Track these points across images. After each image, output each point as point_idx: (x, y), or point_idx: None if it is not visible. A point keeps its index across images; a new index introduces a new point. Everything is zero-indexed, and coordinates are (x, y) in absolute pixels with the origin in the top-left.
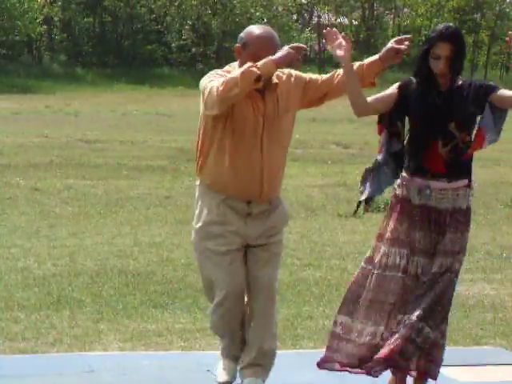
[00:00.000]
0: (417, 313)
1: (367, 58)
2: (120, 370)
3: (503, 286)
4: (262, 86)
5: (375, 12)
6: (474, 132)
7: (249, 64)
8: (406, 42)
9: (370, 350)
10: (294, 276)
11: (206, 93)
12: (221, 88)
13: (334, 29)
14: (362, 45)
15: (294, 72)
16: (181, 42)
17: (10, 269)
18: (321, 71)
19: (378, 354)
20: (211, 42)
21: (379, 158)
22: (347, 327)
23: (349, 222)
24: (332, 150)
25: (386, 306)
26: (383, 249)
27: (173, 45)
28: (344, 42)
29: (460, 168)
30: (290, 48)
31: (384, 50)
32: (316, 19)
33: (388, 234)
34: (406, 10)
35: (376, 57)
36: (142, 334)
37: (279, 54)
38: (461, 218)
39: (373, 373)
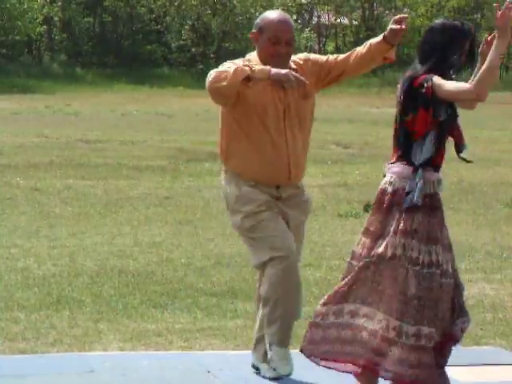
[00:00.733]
0: None
1: None
2: (120, 370)
3: (503, 286)
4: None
5: (375, 12)
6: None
7: (247, 64)
8: (404, 22)
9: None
10: None
11: (208, 90)
12: (211, 78)
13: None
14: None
15: (310, 55)
16: (181, 42)
17: (9, 269)
18: None
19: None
20: (211, 42)
21: None
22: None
23: (349, 222)
24: (332, 150)
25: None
26: None
27: (173, 45)
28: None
29: None
30: (295, 77)
31: (387, 31)
32: (316, 19)
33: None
34: (405, 9)
35: (381, 37)
36: (141, 334)
37: (281, 71)
38: None
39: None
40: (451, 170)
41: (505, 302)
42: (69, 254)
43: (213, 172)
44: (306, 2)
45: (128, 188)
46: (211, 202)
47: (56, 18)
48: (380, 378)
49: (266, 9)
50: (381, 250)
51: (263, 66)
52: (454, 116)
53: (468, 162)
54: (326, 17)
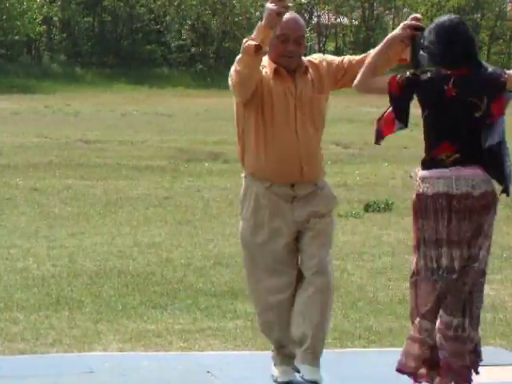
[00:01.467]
0: None
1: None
2: (119, 370)
3: (503, 286)
4: (292, 65)
5: (375, 12)
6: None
7: (245, 40)
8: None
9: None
10: None
11: (230, 83)
12: (234, 73)
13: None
14: (362, 45)
15: (326, 56)
16: (180, 42)
17: (9, 269)
18: None
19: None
20: (211, 42)
21: None
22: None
23: (349, 222)
24: (332, 150)
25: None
26: None
27: (172, 45)
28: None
29: None
30: (269, 3)
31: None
32: (316, 19)
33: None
34: (405, 9)
35: None
36: (141, 335)
37: (267, 14)
38: None
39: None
40: None
41: (505, 303)
42: (68, 254)
43: (213, 172)
44: (305, 2)
45: (127, 188)
46: (211, 202)
47: (55, 18)
48: None
49: None
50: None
51: (255, 28)
52: None
53: None
54: (326, 17)
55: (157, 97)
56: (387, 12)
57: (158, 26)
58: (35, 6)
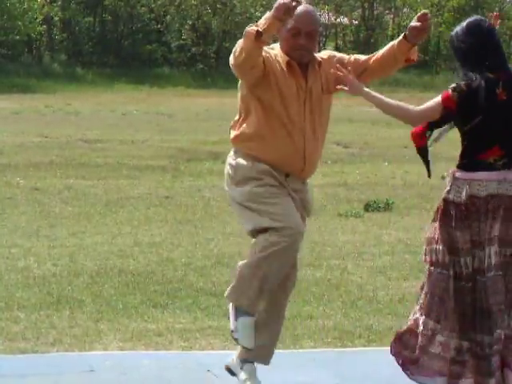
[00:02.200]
0: None
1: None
2: (120, 369)
3: None
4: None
5: (375, 12)
6: None
7: (249, 25)
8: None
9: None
10: None
11: (230, 62)
12: (232, 54)
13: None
14: (362, 45)
15: (336, 53)
16: (181, 42)
17: (10, 269)
18: None
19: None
20: (211, 41)
21: None
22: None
23: (349, 222)
24: (332, 150)
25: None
26: None
27: (173, 44)
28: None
29: None
30: None
31: (408, 29)
32: None
33: None
34: (405, 9)
35: (401, 37)
36: (142, 334)
37: (276, 6)
38: None
39: None
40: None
41: None
42: (69, 253)
43: (213, 171)
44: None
45: (128, 188)
46: (211, 201)
47: (56, 18)
48: None
49: (266, 8)
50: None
51: (264, 16)
52: None
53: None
54: (326, 16)
55: (157, 96)
56: (387, 12)
57: (159, 26)
58: (36, 6)
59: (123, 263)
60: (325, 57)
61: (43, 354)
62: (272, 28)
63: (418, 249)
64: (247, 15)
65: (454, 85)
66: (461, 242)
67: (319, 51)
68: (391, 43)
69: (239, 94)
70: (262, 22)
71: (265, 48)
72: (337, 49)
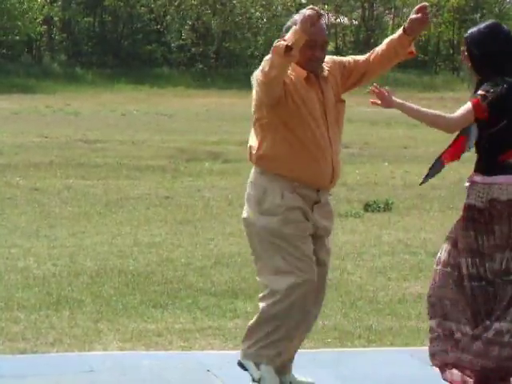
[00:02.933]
0: None
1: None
2: (120, 369)
3: None
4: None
5: (375, 12)
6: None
7: (276, 41)
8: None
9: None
10: None
11: (254, 83)
12: (261, 73)
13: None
14: (362, 45)
15: (334, 58)
16: (180, 42)
17: (9, 269)
18: None
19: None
20: (211, 41)
21: None
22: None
23: (348, 222)
24: None
25: None
26: None
27: (172, 45)
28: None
29: None
30: (307, 9)
31: (407, 22)
32: None
33: None
34: (405, 9)
35: (400, 30)
36: (141, 334)
37: (299, 23)
38: None
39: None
40: (451, 169)
41: None
42: (69, 253)
43: (213, 172)
44: (305, 2)
45: (128, 188)
46: (211, 201)
47: (56, 18)
48: None
49: (266, 8)
50: None
51: (290, 31)
52: None
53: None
54: (326, 16)
55: (157, 97)
56: (387, 12)
57: (159, 26)
58: (36, 6)
59: (123, 263)
60: (328, 64)
61: (43, 354)
62: (300, 41)
63: (417, 249)
64: (247, 15)
65: (481, 92)
66: (485, 246)
67: None
68: (389, 38)
69: (256, 116)
70: (289, 37)
71: None
72: (337, 49)
